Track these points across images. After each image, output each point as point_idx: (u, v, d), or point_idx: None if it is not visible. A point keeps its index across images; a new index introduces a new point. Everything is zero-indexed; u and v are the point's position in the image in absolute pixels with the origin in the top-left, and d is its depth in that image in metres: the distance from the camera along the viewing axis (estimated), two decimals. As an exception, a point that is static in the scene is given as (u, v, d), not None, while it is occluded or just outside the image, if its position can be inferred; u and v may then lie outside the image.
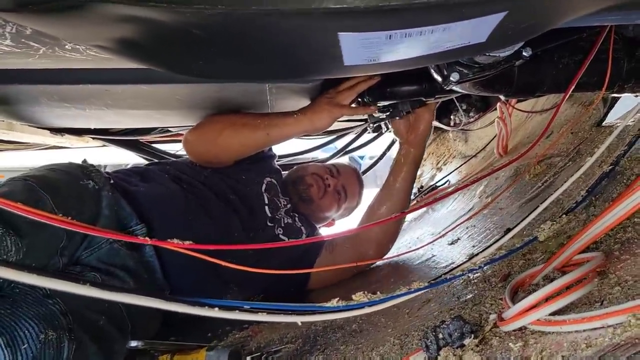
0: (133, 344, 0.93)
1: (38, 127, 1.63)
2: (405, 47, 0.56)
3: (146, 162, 1.97)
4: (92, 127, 1.68)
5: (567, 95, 1.01)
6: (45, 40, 0.63)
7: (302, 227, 1.54)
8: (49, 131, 1.67)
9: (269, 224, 1.45)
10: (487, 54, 0.80)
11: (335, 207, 1.68)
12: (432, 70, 0.96)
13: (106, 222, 1.08)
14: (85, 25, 0.53)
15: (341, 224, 1.95)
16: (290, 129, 1.28)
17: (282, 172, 1.71)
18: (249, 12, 0.47)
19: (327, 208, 1.66)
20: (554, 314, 0.60)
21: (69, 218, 0.61)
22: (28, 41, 0.62)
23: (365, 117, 1.47)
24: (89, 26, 0.53)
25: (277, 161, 1.74)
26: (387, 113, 1.32)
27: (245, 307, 0.49)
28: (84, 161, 1.22)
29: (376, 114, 1.33)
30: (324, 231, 1.81)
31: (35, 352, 0.78)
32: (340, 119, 1.37)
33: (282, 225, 1.48)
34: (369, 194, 1.58)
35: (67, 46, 0.66)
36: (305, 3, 0.47)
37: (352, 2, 0.48)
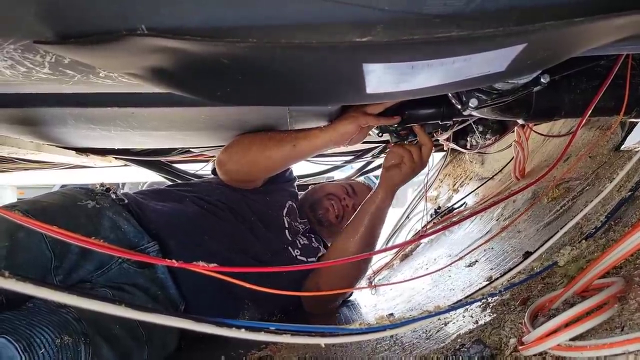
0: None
1: (64, 148, 1.67)
2: (427, 76, 0.58)
3: (168, 183, 2.01)
4: (116, 147, 1.72)
5: (584, 120, 1.01)
6: (80, 68, 0.66)
7: (320, 246, 1.57)
8: (74, 151, 1.72)
9: (287, 246, 1.47)
10: (506, 81, 0.82)
11: None
12: (451, 96, 0.98)
13: (109, 242, 1.08)
14: (121, 56, 0.55)
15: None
16: (315, 139, 1.27)
17: (299, 193, 1.74)
18: (278, 45, 0.49)
19: None
20: (574, 339, 0.60)
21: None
22: (65, 69, 0.65)
23: (384, 138, 1.49)
24: (125, 56, 0.56)
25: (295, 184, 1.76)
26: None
27: (271, 328, 0.51)
28: (101, 185, 1.25)
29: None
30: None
31: (53, 355, 0.79)
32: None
33: (299, 246, 1.51)
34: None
35: (101, 74, 0.69)
36: (332, 36, 0.50)
37: (376, 36, 0.50)
